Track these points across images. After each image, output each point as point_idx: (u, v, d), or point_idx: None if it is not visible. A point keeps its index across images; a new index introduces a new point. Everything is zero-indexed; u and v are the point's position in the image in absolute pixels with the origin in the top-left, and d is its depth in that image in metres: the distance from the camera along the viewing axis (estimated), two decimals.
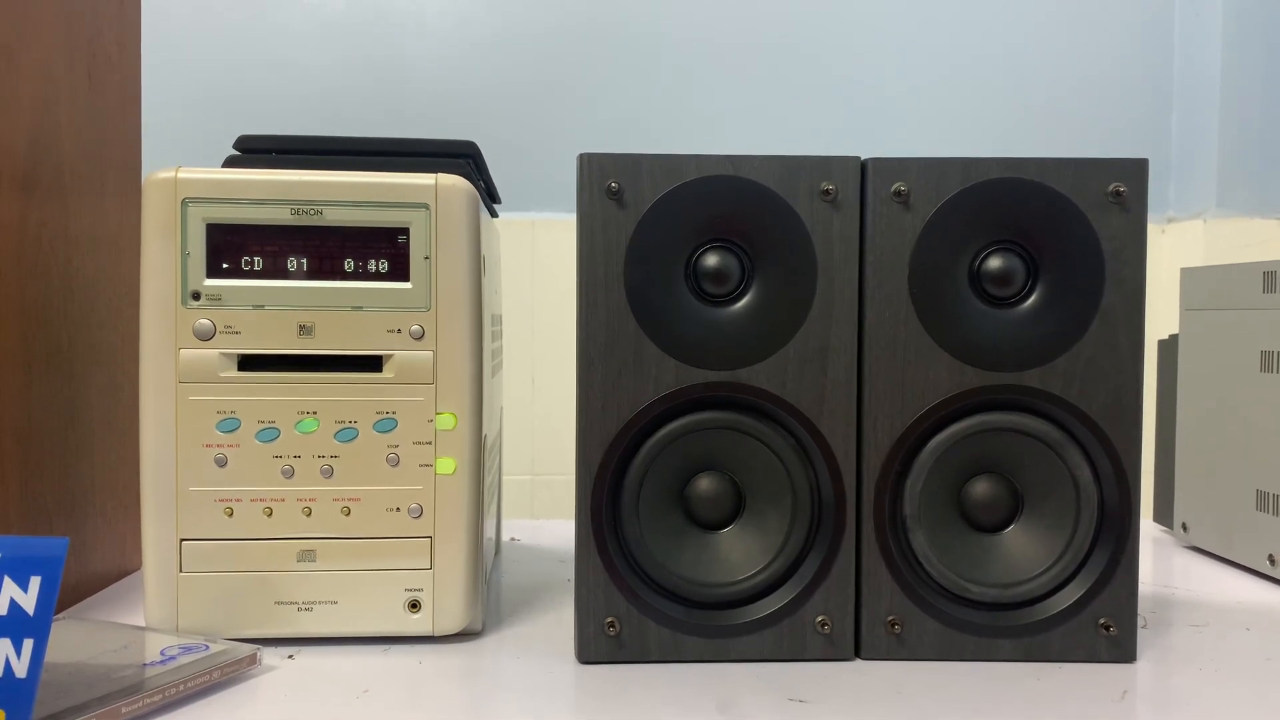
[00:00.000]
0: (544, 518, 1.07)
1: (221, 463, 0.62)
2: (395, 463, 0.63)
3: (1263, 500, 0.82)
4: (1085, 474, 0.62)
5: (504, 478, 0.97)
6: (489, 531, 0.73)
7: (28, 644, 0.46)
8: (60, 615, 0.67)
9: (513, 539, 0.95)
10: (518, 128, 1.71)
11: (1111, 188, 0.61)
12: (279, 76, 1.69)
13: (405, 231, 0.63)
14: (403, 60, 1.70)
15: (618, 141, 1.69)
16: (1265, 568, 0.82)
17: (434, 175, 0.64)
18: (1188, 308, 0.91)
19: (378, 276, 0.63)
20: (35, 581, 0.47)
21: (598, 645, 0.61)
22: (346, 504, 0.63)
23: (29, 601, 0.46)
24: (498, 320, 0.81)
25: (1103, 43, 1.75)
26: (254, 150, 0.68)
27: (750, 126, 1.73)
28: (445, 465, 0.64)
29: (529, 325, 1.68)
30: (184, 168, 0.62)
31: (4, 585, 0.47)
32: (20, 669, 0.45)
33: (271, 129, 1.58)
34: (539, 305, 1.68)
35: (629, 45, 1.72)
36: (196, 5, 1.68)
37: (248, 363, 0.63)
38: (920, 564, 0.62)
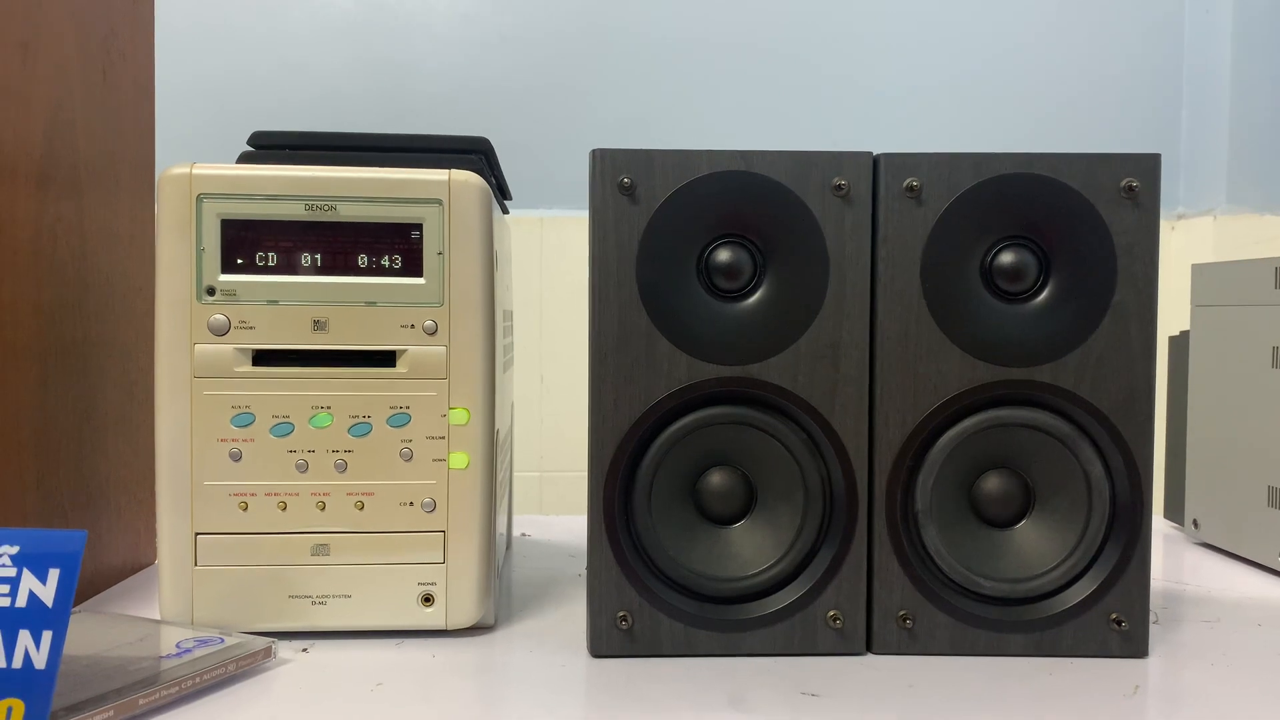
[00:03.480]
0: (553, 514, 1.07)
1: (236, 457, 0.63)
2: (408, 457, 0.64)
3: (1274, 496, 0.82)
4: (1097, 469, 0.62)
5: (513, 474, 0.98)
6: (501, 526, 0.74)
7: (46, 636, 0.46)
8: (76, 609, 0.68)
9: (523, 534, 0.96)
10: (525, 125, 1.71)
11: (1124, 183, 0.61)
12: (290, 75, 1.69)
13: (418, 227, 0.63)
14: (412, 59, 1.71)
15: (626, 139, 1.69)
16: (1276, 564, 0.82)
17: (447, 171, 0.64)
18: (1198, 304, 0.91)
19: (391, 272, 0.63)
20: (54, 574, 0.47)
21: (610, 639, 0.61)
22: (360, 498, 0.64)
23: (47, 594, 0.47)
24: (509, 316, 0.82)
25: (1113, 40, 1.74)
26: (268, 146, 0.68)
27: (761, 124, 1.73)
28: (458, 460, 0.64)
29: (537, 322, 1.68)
30: (199, 164, 0.63)
31: (23, 578, 0.47)
32: (39, 660, 0.46)
33: (283, 126, 1.58)
34: (547, 302, 1.68)
35: (638, 43, 1.72)
36: (209, 4, 1.68)
37: (262, 358, 0.63)
38: (932, 559, 0.62)
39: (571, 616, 0.69)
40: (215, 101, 1.67)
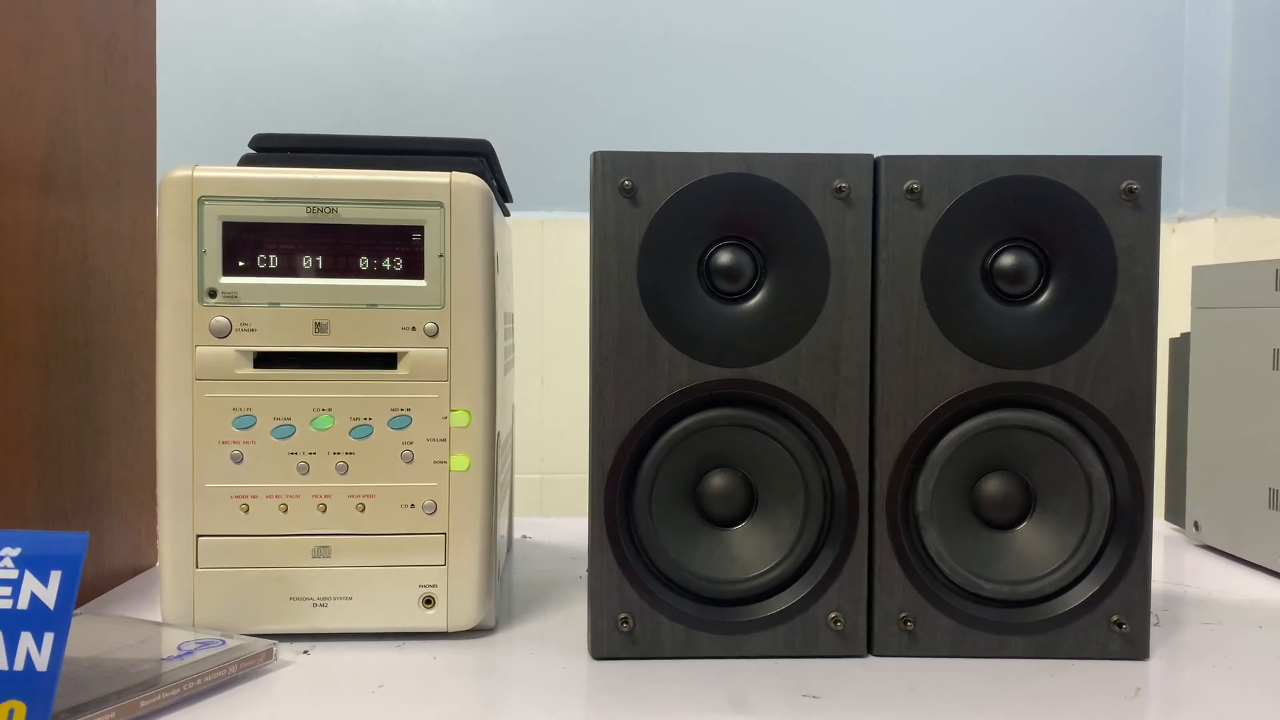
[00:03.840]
0: (553, 516, 1.07)
1: (237, 459, 0.63)
2: (410, 459, 0.64)
3: (1275, 499, 0.82)
4: (1098, 471, 0.62)
5: (514, 476, 0.98)
6: (502, 528, 0.74)
7: (48, 638, 0.46)
8: (77, 611, 0.68)
9: (524, 536, 0.96)
10: (525, 127, 1.71)
11: (1124, 185, 0.61)
12: (291, 76, 1.69)
13: (420, 229, 0.63)
14: (413, 61, 1.71)
15: (627, 140, 1.69)
16: (1277, 566, 0.82)
17: (448, 173, 0.64)
18: (1199, 306, 0.91)
19: (392, 274, 0.63)
20: (55, 576, 0.47)
21: (611, 641, 0.61)
22: (361, 500, 0.64)
23: (49, 596, 0.47)
24: (510, 318, 0.82)
25: (1113, 42, 1.74)
26: (270, 149, 0.68)
27: (762, 126, 1.73)
28: (459, 462, 0.64)
29: (538, 325, 1.68)
30: (200, 166, 0.63)
31: (25, 580, 0.47)
32: (41, 662, 0.46)
33: (284, 129, 1.58)
34: (548, 305, 1.69)
35: (638, 43, 1.72)
36: (210, 7, 1.68)
37: (263, 360, 0.63)
38: (933, 561, 0.62)
39: (572, 618, 0.69)
40: (216, 104, 1.67)
